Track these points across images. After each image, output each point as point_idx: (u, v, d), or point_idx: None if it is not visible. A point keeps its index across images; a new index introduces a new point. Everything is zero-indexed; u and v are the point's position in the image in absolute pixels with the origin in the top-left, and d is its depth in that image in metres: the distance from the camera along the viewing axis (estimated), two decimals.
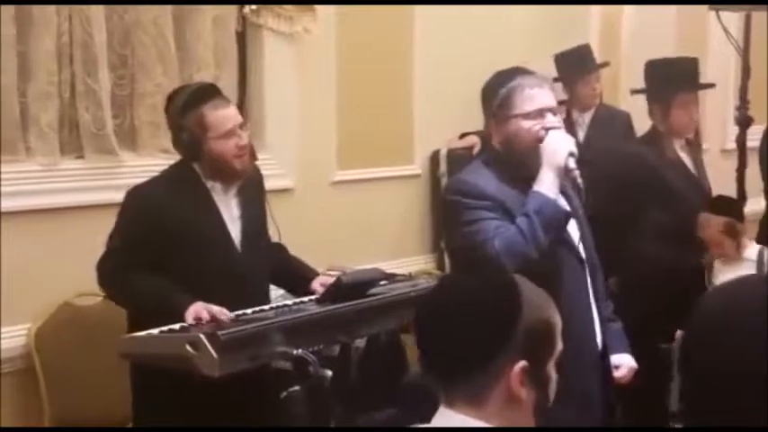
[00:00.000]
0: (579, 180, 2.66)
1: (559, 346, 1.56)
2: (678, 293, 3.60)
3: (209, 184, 3.05)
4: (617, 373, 2.85)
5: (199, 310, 2.87)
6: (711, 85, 4.55)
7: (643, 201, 4.11)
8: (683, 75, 4.29)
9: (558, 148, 2.64)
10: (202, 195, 3.05)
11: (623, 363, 2.87)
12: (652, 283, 4.02)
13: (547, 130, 2.66)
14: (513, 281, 1.56)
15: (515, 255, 2.54)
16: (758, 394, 1.09)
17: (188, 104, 2.98)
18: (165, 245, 2.97)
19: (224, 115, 2.98)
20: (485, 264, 2.55)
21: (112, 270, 3.01)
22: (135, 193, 3.03)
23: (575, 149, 2.67)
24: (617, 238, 4.09)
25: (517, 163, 2.69)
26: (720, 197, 4.25)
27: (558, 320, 1.57)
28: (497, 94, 2.70)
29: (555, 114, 2.72)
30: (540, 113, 2.67)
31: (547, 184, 2.63)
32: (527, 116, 2.66)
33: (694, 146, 4.36)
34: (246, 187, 3.14)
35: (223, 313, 2.88)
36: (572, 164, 2.65)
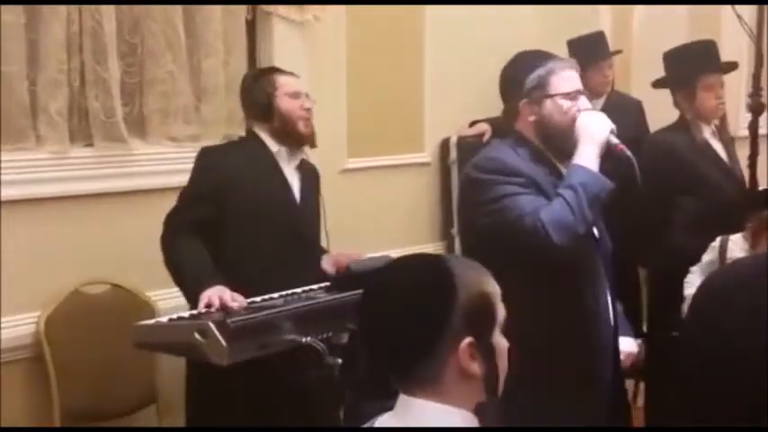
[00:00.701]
0: (629, 153, 2.62)
1: (501, 312, 1.56)
2: None
3: (276, 148, 3.31)
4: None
5: (212, 296, 2.87)
6: (734, 65, 4.44)
7: (673, 189, 4.03)
8: (704, 57, 4.23)
9: (598, 124, 2.63)
10: (267, 157, 3.30)
11: (624, 348, 2.84)
12: (679, 272, 3.88)
13: (580, 111, 2.66)
14: (443, 262, 1.55)
15: (563, 229, 2.49)
16: (757, 370, 1.06)
17: (261, 73, 3.49)
18: (227, 196, 3.17)
19: (292, 79, 3.41)
20: (521, 239, 2.50)
21: (170, 228, 3.16)
22: (202, 152, 3.30)
23: (614, 126, 2.65)
24: (648, 227, 4.04)
25: (548, 143, 2.68)
26: None
27: (494, 288, 1.56)
28: (533, 73, 2.68)
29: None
30: (576, 95, 2.68)
31: (589, 159, 2.59)
32: (566, 96, 2.66)
33: (724, 133, 4.29)
34: (306, 170, 3.41)
35: (235, 300, 2.89)
36: (614, 139, 2.63)
